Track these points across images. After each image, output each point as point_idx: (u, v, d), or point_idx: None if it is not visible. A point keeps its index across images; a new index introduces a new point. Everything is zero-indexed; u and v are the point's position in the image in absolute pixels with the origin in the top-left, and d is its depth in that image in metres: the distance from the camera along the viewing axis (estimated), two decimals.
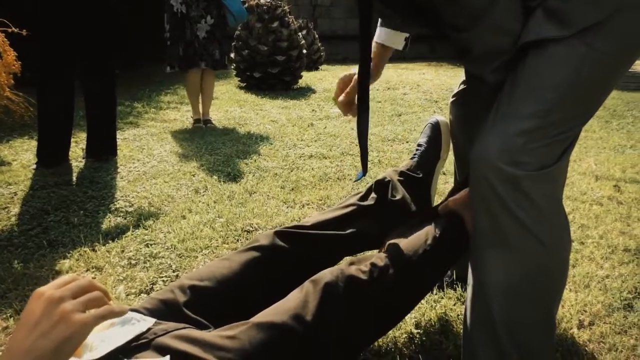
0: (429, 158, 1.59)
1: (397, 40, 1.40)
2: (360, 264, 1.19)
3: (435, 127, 1.61)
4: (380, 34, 1.40)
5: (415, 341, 1.42)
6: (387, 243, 1.29)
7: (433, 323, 1.50)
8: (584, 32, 0.94)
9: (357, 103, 1.31)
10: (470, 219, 1.25)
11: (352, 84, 1.38)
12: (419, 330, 1.47)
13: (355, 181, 1.57)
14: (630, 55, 0.99)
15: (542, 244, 0.99)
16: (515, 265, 1.01)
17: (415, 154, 1.62)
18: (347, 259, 1.22)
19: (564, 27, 0.94)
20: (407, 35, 1.39)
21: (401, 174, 1.55)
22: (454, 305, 1.59)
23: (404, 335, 1.45)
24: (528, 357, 1.04)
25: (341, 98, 1.39)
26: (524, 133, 0.95)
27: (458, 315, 1.54)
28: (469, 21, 1.00)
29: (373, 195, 1.46)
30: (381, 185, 1.48)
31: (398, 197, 1.46)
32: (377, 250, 1.31)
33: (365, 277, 1.15)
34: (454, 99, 1.51)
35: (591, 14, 0.93)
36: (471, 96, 1.39)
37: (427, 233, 1.27)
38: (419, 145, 1.63)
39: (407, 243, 1.25)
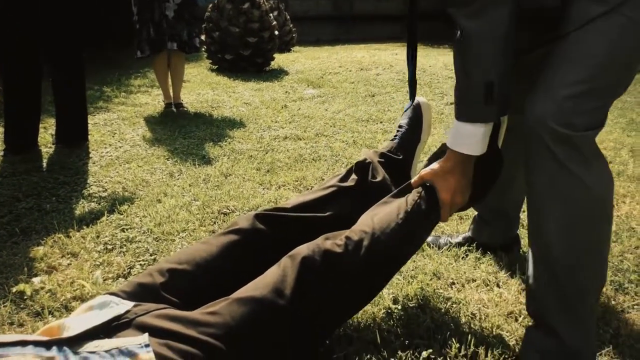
0: (410, 139, 1.60)
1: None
2: (335, 238, 1.20)
3: (417, 109, 1.62)
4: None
5: (394, 316, 1.45)
6: (361, 217, 1.30)
7: (410, 298, 1.53)
8: (622, 4, 1.02)
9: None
10: (442, 188, 1.27)
11: None
12: (397, 306, 1.50)
13: (405, 110, 1.59)
14: None
15: (593, 192, 1.10)
16: (571, 215, 1.11)
17: (396, 135, 1.62)
18: (323, 234, 1.23)
19: (603, 3, 1.03)
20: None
21: (382, 155, 1.55)
22: (430, 280, 1.63)
23: (382, 311, 1.48)
24: (584, 292, 1.15)
25: None
26: (573, 97, 1.05)
27: (434, 289, 1.58)
28: None
29: (353, 176, 1.46)
30: (361, 167, 1.48)
31: (378, 178, 1.47)
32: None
33: (340, 250, 1.16)
34: None
35: None
36: None
37: (399, 206, 1.28)
38: (400, 126, 1.64)
39: (381, 217, 1.26)
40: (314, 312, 1.12)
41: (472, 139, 1.19)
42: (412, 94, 1.52)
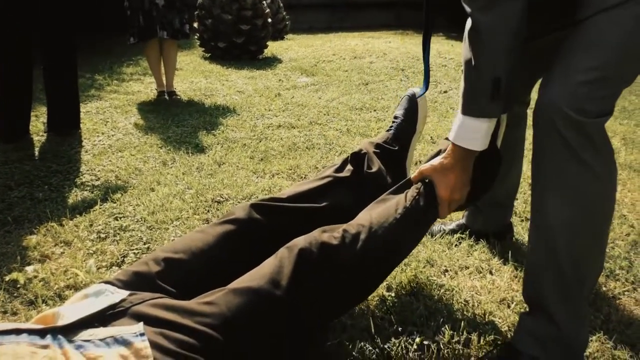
0: (405, 131, 1.60)
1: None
2: (332, 231, 1.20)
3: (412, 100, 1.62)
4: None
5: (387, 303, 1.46)
6: (360, 213, 1.30)
7: (404, 285, 1.54)
8: None
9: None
10: (441, 185, 1.27)
11: None
12: (391, 293, 1.50)
13: (418, 97, 1.59)
14: None
15: (601, 180, 1.11)
16: (578, 202, 1.11)
17: (391, 126, 1.62)
18: (321, 227, 1.23)
19: None
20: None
21: (377, 146, 1.55)
22: (424, 267, 1.64)
23: (376, 298, 1.48)
24: (583, 279, 1.16)
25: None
26: (587, 83, 1.05)
27: (428, 277, 1.59)
28: None
29: (349, 167, 1.47)
30: (357, 157, 1.48)
31: (374, 169, 1.47)
32: None
33: (337, 243, 1.16)
34: None
35: None
36: None
37: (397, 202, 1.28)
38: (395, 117, 1.64)
39: (379, 212, 1.26)
40: (310, 303, 1.11)
41: (476, 134, 1.20)
42: (427, 80, 1.53)
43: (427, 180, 1.31)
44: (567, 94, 1.05)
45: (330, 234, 1.18)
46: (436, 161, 1.29)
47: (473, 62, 1.13)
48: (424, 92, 1.56)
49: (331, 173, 1.45)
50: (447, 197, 1.28)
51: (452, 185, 1.27)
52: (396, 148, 1.56)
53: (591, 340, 1.32)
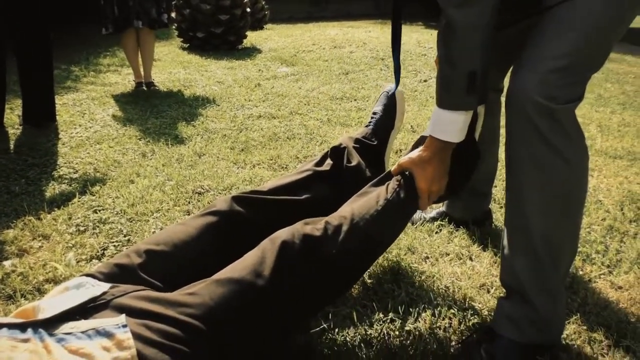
0: (383, 126, 1.62)
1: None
2: (315, 223, 1.21)
3: (391, 96, 1.64)
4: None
5: (369, 291, 1.47)
6: (342, 206, 1.31)
7: (385, 272, 1.56)
8: None
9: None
10: (420, 177, 1.29)
11: None
12: (372, 281, 1.52)
13: (389, 93, 1.60)
14: None
15: (571, 165, 1.12)
16: (550, 186, 1.13)
17: (370, 122, 1.64)
18: (303, 220, 1.23)
19: None
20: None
21: (356, 141, 1.57)
22: (405, 255, 1.65)
23: (358, 286, 1.50)
24: (558, 262, 1.19)
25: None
26: (558, 70, 1.06)
27: (409, 264, 1.60)
28: None
29: (329, 161, 1.48)
30: (337, 152, 1.50)
31: (353, 163, 1.48)
32: None
33: (319, 234, 1.17)
34: None
35: None
36: None
37: (378, 194, 1.29)
38: (374, 113, 1.65)
39: (360, 204, 1.27)
40: (292, 294, 1.12)
41: (452, 126, 1.21)
42: (398, 77, 1.54)
43: (406, 173, 1.32)
44: (537, 82, 1.07)
45: (313, 226, 1.19)
46: (414, 154, 1.30)
47: (448, 57, 1.14)
48: (395, 89, 1.58)
49: (311, 167, 1.47)
50: (426, 189, 1.29)
51: (430, 177, 1.28)
52: (375, 143, 1.58)
53: (568, 323, 1.35)
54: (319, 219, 1.23)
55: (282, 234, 1.17)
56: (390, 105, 1.63)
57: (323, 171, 1.46)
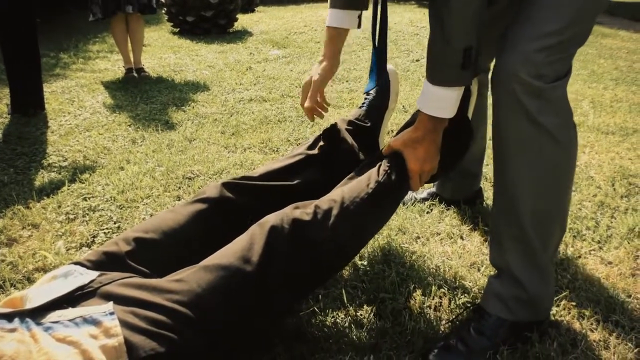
0: (377, 107, 1.59)
1: (350, 20, 1.46)
2: (305, 207, 1.19)
3: (385, 76, 1.60)
4: (332, 17, 1.45)
5: (360, 272, 1.47)
6: (333, 190, 1.30)
7: (376, 253, 1.56)
8: None
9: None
10: (411, 157, 1.27)
11: (311, 87, 1.47)
12: (363, 261, 1.52)
13: (365, 92, 1.58)
14: None
15: (560, 144, 1.12)
16: (538, 166, 1.13)
17: (363, 103, 1.61)
18: (292, 204, 1.22)
19: None
20: (359, 12, 1.46)
21: (349, 123, 1.54)
22: (395, 235, 1.65)
23: (349, 267, 1.50)
24: (547, 240, 1.19)
25: (306, 104, 1.47)
26: (545, 49, 1.05)
27: (400, 244, 1.60)
28: None
29: (321, 144, 1.45)
30: (329, 134, 1.47)
31: (346, 145, 1.46)
32: None
33: (309, 218, 1.16)
34: None
35: None
36: None
37: (369, 177, 1.27)
38: (368, 93, 1.63)
39: (351, 187, 1.25)
40: (281, 279, 1.11)
41: (445, 102, 1.19)
42: (379, 74, 1.51)
43: (397, 154, 1.30)
44: (524, 60, 1.05)
45: (302, 210, 1.18)
46: (405, 134, 1.28)
47: (442, 33, 1.11)
48: (372, 88, 1.54)
49: (303, 151, 1.44)
50: (417, 169, 1.27)
51: (421, 157, 1.26)
52: (368, 124, 1.55)
53: (558, 299, 1.35)
54: (308, 202, 1.22)
55: (271, 218, 1.16)
56: (384, 86, 1.60)
57: (315, 155, 1.43)
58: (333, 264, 1.23)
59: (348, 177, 1.35)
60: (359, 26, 1.48)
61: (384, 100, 1.60)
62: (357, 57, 4.60)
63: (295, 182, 1.37)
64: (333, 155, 1.45)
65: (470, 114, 1.41)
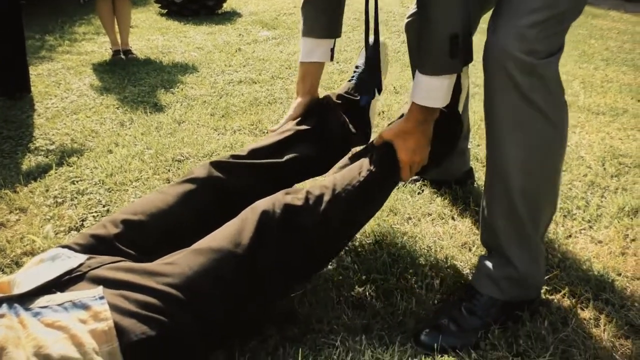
0: (367, 80, 1.56)
1: (323, 51, 1.46)
2: (296, 193, 1.19)
3: (374, 49, 1.57)
4: (306, 50, 1.45)
5: (351, 253, 1.47)
6: (324, 177, 1.29)
7: (367, 234, 1.55)
8: None
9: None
10: (401, 148, 1.27)
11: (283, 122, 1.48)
12: (354, 242, 1.51)
13: (362, 105, 1.54)
14: None
15: (551, 121, 1.11)
16: (530, 144, 1.12)
17: (352, 76, 1.59)
18: (283, 190, 1.22)
19: None
20: (332, 43, 1.48)
21: (339, 97, 1.53)
22: (387, 216, 1.65)
23: None
24: (537, 219, 1.19)
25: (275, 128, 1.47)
26: (537, 24, 1.04)
27: (391, 225, 1.60)
28: None
29: (310, 119, 1.44)
30: (319, 109, 1.45)
31: (336, 119, 1.44)
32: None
33: (300, 204, 1.15)
34: (409, 19, 1.56)
35: None
36: None
37: (361, 165, 1.27)
38: (357, 67, 1.60)
39: (342, 175, 1.25)
40: (272, 263, 1.11)
41: (437, 92, 1.19)
42: (375, 81, 1.50)
43: (389, 144, 1.30)
44: (517, 36, 1.04)
45: (294, 196, 1.17)
46: (396, 126, 1.28)
47: (428, 21, 1.11)
48: (370, 99, 1.53)
49: (292, 126, 1.42)
50: (407, 160, 1.27)
51: (412, 148, 1.26)
52: (358, 98, 1.53)
53: (548, 278, 1.36)
54: (300, 188, 1.22)
55: (262, 203, 1.15)
56: (374, 58, 1.57)
57: (305, 130, 1.41)
58: (325, 250, 1.22)
59: (340, 165, 1.34)
60: (331, 59, 1.48)
61: (374, 72, 1.56)
62: (347, 38, 4.56)
63: (285, 159, 1.35)
64: (323, 130, 1.43)
65: (460, 109, 1.41)
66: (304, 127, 1.42)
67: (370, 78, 1.54)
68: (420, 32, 1.15)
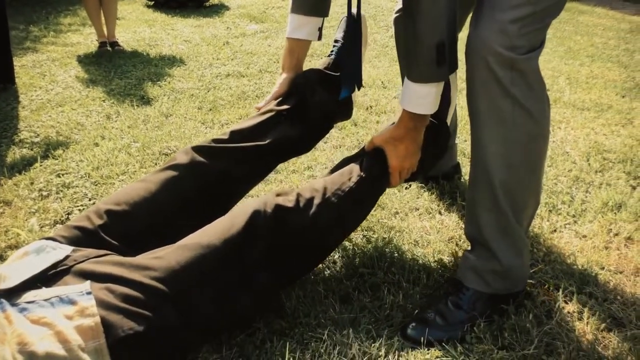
0: (347, 55, 1.51)
1: (310, 30, 1.43)
2: (287, 195, 1.19)
3: (354, 21, 1.54)
4: (293, 27, 1.43)
5: (339, 248, 1.47)
6: (314, 180, 1.29)
7: (355, 229, 1.56)
8: None
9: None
10: (392, 154, 1.27)
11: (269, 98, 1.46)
12: None
13: (341, 98, 1.50)
14: None
15: (532, 116, 1.12)
16: (511, 138, 1.13)
17: (332, 51, 1.56)
18: (274, 190, 1.21)
19: None
20: (320, 21, 1.44)
21: (318, 72, 1.49)
22: (374, 211, 1.65)
23: None
24: (521, 213, 1.21)
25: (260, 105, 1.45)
26: (518, 20, 1.05)
27: (378, 219, 1.61)
28: None
29: (291, 98, 1.42)
30: (298, 87, 1.43)
31: (317, 97, 1.42)
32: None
33: (291, 205, 1.15)
34: (397, 14, 1.54)
35: None
36: None
37: (351, 170, 1.28)
38: (336, 41, 1.57)
39: (333, 179, 1.26)
40: (261, 261, 1.10)
41: (425, 99, 1.20)
42: (354, 76, 1.47)
43: (379, 150, 1.30)
44: (498, 32, 1.05)
45: (285, 197, 1.18)
46: (387, 132, 1.30)
47: (414, 31, 1.11)
48: (350, 93, 1.49)
49: (273, 107, 1.40)
50: (397, 166, 1.29)
51: (402, 154, 1.28)
52: (338, 74, 1.51)
53: (533, 272, 1.37)
54: (290, 190, 1.22)
55: (254, 202, 1.15)
56: (353, 31, 1.49)
57: (285, 109, 1.39)
58: (313, 253, 1.23)
59: (330, 169, 1.36)
60: (319, 38, 1.45)
61: (354, 47, 1.49)
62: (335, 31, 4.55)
63: (267, 141, 1.33)
64: (304, 109, 1.41)
65: (449, 121, 1.43)
66: (285, 106, 1.40)
67: (349, 64, 1.49)
68: (407, 40, 1.15)
